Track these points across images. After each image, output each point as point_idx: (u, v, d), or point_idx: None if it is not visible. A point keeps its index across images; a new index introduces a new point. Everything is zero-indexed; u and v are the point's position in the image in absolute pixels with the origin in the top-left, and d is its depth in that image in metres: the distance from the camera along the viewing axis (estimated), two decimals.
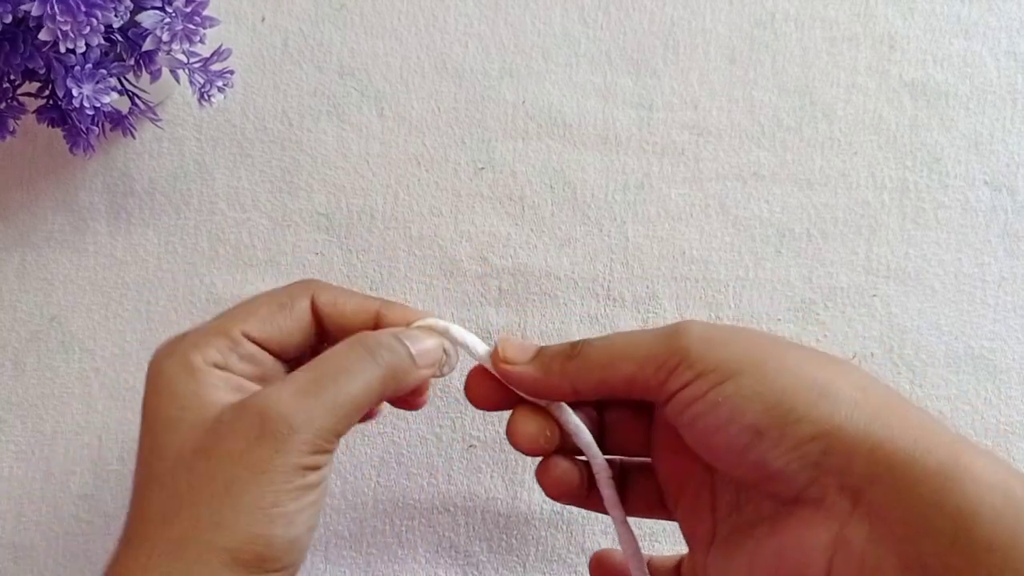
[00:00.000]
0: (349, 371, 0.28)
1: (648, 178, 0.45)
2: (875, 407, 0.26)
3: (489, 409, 0.33)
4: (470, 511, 0.43)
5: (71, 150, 0.39)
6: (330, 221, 0.45)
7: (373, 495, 0.43)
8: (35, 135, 0.45)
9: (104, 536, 0.42)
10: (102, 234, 0.45)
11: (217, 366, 0.29)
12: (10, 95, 0.38)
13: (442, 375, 0.33)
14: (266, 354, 0.30)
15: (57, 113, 0.38)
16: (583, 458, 0.33)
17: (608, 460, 0.33)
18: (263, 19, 0.47)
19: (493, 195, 0.45)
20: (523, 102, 0.46)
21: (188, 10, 0.36)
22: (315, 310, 0.32)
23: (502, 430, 0.43)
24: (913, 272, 0.45)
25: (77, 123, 0.38)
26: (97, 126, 0.39)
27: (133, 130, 0.42)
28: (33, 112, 0.39)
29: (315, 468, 0.28)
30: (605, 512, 0.33)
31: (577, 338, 0.31)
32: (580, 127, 0.46)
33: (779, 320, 0.44)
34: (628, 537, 0.33)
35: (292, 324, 0.31)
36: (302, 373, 0.29)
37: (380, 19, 0.47)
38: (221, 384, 0.29)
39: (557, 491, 0.32)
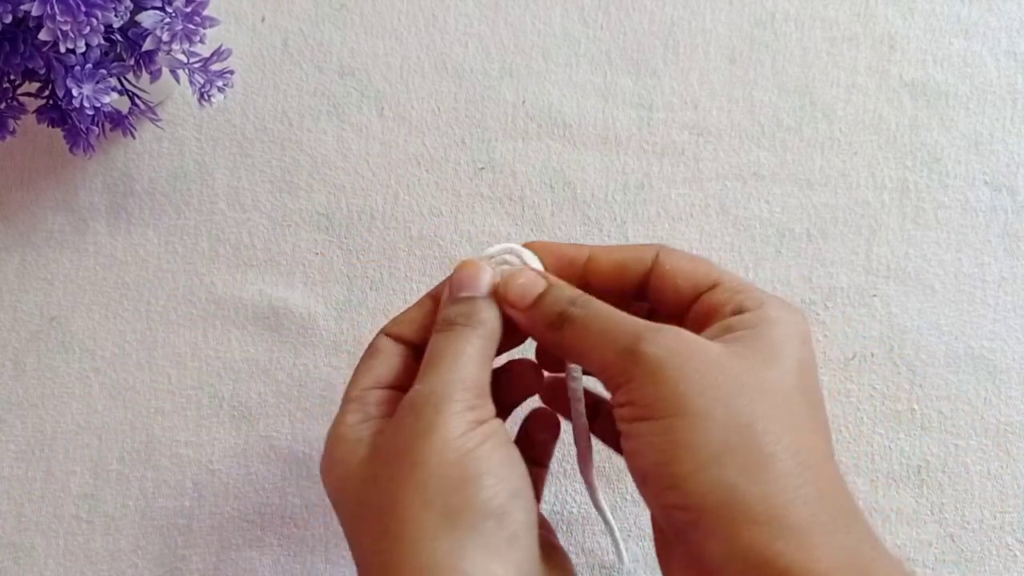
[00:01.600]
0: (449, 347, 0.31)
1: (648, 178, 0.45)
2: (753, 495, 0.26)
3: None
4: None
5: (71, 150, 0.39)
6: (330, 221, 0.45)
7: None
8: (35, 135, 0.45)
9: (104, 536, 0.43)
10: (102, 234, 0.45)
11: (363, 421, 0.31)
12: (10, 95, 0.38)
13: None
14: (391, 391, 0.32)
15: (57, 113, 0.38)
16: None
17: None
18: (263, 19, 0.47)
19: (493, 195, 0.45)
20: (523, 102, 0.46)
21: (188, 10, 0.36)
22: (397, 339, 0.34)
23: None
24: (913, 272, 0.45)
25: (77, 123, 0.38)
26: (97, 126, 0.39)
27: (133, 130, 0.42)
28: (33, 112, 0.39)
29: (481, 421, 0.29)
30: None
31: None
32: (580, 127, 0.46)
33: None
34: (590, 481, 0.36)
35: (389, 360, 0.33)
36: (420, 372, 0.31)
37: (380, 19, 0.47)
38: (371, 429, 0.31)
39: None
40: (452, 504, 0.27)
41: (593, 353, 0.30)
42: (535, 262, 0.33)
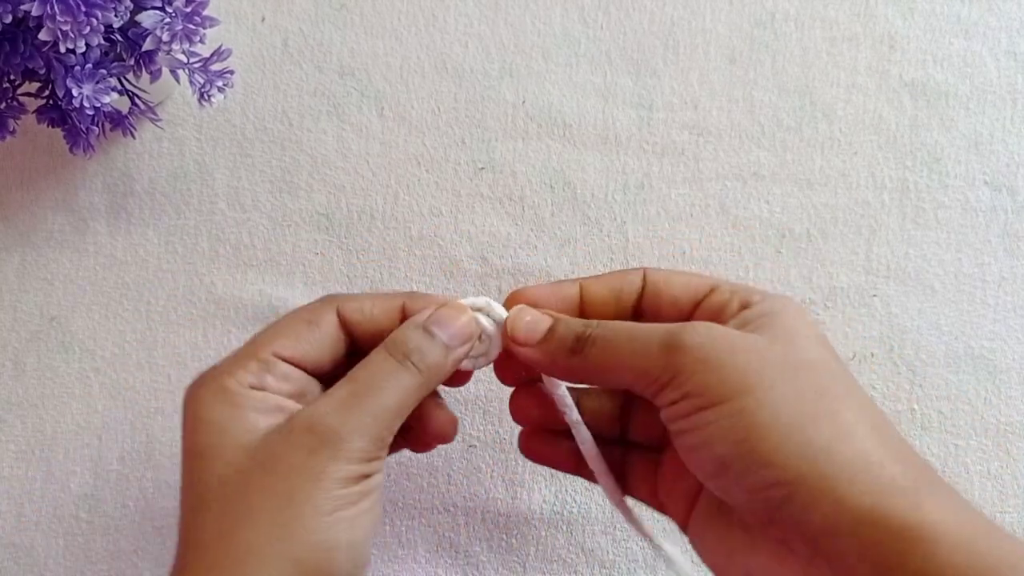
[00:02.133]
0: (384, 382, 0.29)
1: (648, 178, 0.45)
2: (847, 457, 0.25)
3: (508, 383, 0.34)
4: (470, 511, 0.43)
5: (71, 150, 0.39)
6: (330, 221, 0.45)
7: None
8: (35, 135, 0.45)
9: (104, 536, 0.42)
10: (102, 234, 0.45)
11: (253, 388, 0.30)
12: (10, 95, 0.38)
13: (479, 365, 0.33)
14: (300, 372, 0.31)
15: (57, 113, 0.38)
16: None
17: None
18: (263, 19, 0.47)
19: (493, 195, 0.45)
20: (523, 102, 0.46)
21: (188, 10, 0.36)
22: (343, 321, 0.32)
23: (502, 430, 0.43)
24: (913, 272, 0.45)
25: (77, 123, 0.38)
26: (97, 126, 0.39)
27: (133, 130, 0.42)
28: (33, 112, 0.39)
29: (368, 475, 0.29)
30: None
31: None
32: (580, 127, 0.46)
33: None
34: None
35: (321, 339, 0.31)
36: (341, 388, 0.29)
37: (380, 19, 0.47)
38: (259, 405, 0.29)
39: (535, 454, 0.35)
40: (306, 561, 0.27)
41: (626, 363, 0.29)
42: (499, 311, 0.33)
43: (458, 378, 0.34)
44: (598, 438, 0.34)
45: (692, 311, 0.32)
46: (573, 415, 0.33)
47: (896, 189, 0.45)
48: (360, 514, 0.28)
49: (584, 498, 0.43)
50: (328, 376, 0.32)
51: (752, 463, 0.26)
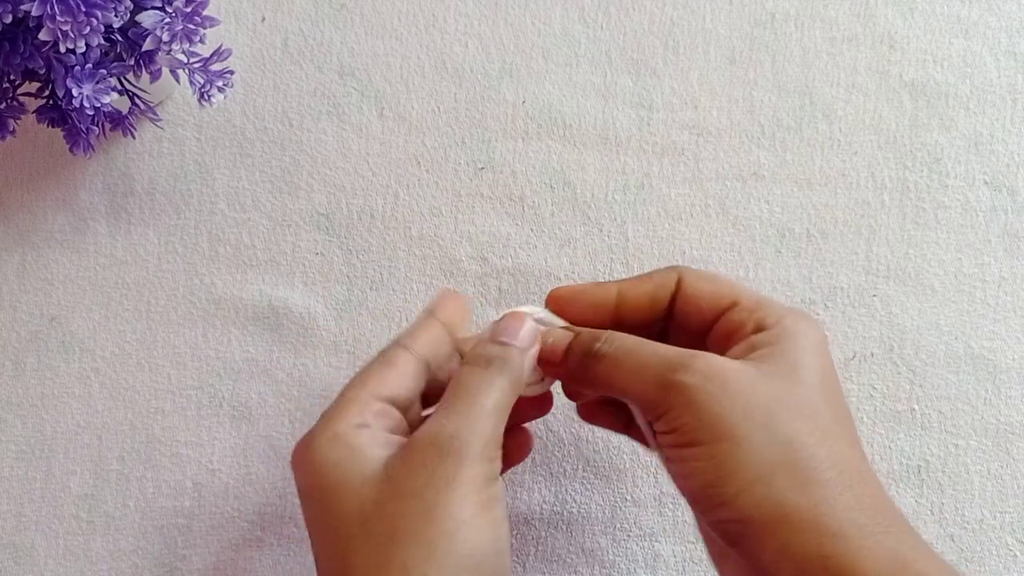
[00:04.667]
0: (481, 388, 0.31)
1: (648, 178, 0.45)
2: (798, 507, 0.28)
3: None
4: None
5: (71, 150, 0.39)
6: (330, 221, 0.45)
7: None
8: (35, 135, 0.45)
9: (104, 536, 0.43)
10: (102, 234, 0.45)
11: (360, 427, 0.31)
12: (10, 95, 0.38)
13: (548, 376, 0.35)
14: (393, 408, 0.32)
15: (57, 113, 0.38)
16: None
17: None
18: (263, 19, 0.47)
19: (493, 195, 0.45)
20: (523, 102, 0.46)
21: (188, 10, 0.36)
22: (415, 354, 0.34)
23: None
24: (913, 272, 0.45)
25: (77, 123, 0.38)
26: (97, 126, 0.39)
27: (133, 130, 0.42)
28: (33, 112, 0.39)
29: (494, 479, 0.30)
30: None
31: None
32: (580, 127, 0.46)
33: None
34: None
35: (400, 377, 0.33)
36: (444, 404, 0.31)
37: (380, 19, 0.47)
38: (373, 440, 0.30)
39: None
40: (459, 568, 0.28)
41: (629, 386, 0.32)
42: (559, 323, 0.35)
43: (543, 403, 0.37)
44: None
45: (714, 321, 0.34)
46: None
47: (896, 189, 0.45)
48: (498, 520, 0.29)
49: (584, 498, 0.43)
50: (410, 412, 0.33)
51: (716, 502, 0.29)
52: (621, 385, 0.32)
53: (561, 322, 0.35)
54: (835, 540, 0.27)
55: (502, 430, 0.31)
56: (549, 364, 0.34)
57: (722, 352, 0.32)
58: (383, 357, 0.33)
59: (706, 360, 0.30)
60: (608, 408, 0.37)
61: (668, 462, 0.31)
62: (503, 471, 0.36)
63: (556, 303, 0.36)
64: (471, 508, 0.28)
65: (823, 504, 0.28)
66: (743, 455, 0.29)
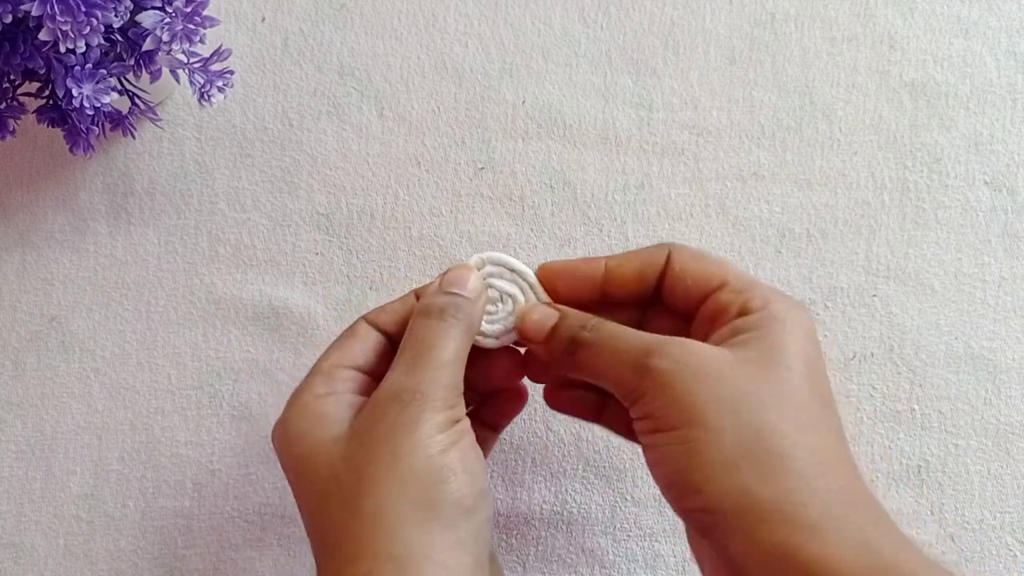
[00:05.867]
0: (435, 338, 0.32)
1: (648, 178, 0.45)
2: (765, 497, 0.27)
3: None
4: None
5: (71, 150, 0.39)
6: (330, 221, 0.45)
7: None
8: (35, 135, 0.45)
9: (104, 536, 0.42)
10: (102, 234, 0.45)
11: (327, 395, 0.32)
12: (10, 95, 0.38)
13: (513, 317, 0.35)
14: (358, 373, 0.34)
15: (57, 113, 0.38)
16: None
17: None
18: (263, 19, 0.47)
19: (493, 195, 0.45)
20: (523, 102, 0.46)
21: (188, 10, 0.36)
22: (376, 326, 0.35)
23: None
24: (913, 272, 0.45)
25: (77, 123, 0.38)
26: (97, 126, 0.39)
27: (133, 130, 0.42)
28: (33, 112, 0.39)
29: (456, 420, 0.31)
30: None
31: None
32: (580, 127, 0.46)
33: None
34: None
35: (364, 345, 0.34)
36: (401, 358, 0.32)
37: (380, 19, 0.47)
38: (338, 404, 0.32)
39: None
40: (429, 498, 0.29)
41: (607, 373, 0.32)
42: (521, 267, 0.35)
43: (536, 369, 0.37)
44: None
45: (702, 301, 0.33)
46: None
47: (896, 189, 0.45)
48: (466, 448, 0.30)
49: (584, 498, 0.43)
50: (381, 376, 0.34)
51: (686, 489, 0.29)
52: (600, 371, 0.32)
53: (539, 288, 0.35)
54: (804, 531, 0.27)
55: (461, 376, 0.32)
56: (531, 342, 0.34)
57: (707, 334, 0.32)
58: (346, 330, 0.35)
59: (681, 345, 0.30)
60: (574, 393, 0.37)
61: (644, 450, 0.31)
62: (499, 431, 0.38)
63: (546, 277, 0.36)
64: (438, 445, 0.30)
65: (793, 494, 0.27)
66: (713, 442, 0.28)
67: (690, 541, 0.32)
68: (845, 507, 0.27)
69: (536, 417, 0.43)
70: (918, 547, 0.28)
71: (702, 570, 0.31)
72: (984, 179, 0.45)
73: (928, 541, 0.42)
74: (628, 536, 0.42)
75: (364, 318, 0.35)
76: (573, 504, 0.43)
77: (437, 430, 0.30)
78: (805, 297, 0.44)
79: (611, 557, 0.42)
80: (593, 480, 0.43)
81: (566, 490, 0.43)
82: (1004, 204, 0.45)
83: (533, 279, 0.35)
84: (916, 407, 0.44)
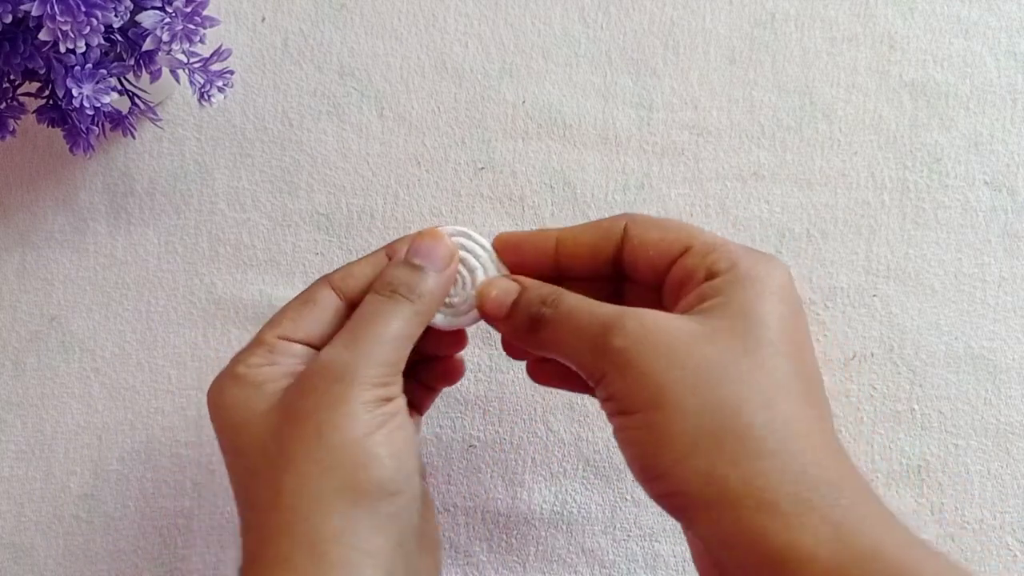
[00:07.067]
0: (379, 316, 0.30)
1: (648, 178, 0.45)
2: (732, 480, 0.26)
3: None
4: (470, 511, 0.43)
5: (71, 150, 0.39)
6: (330, 221, 0.45)
7: None
8: (35, 135, 0.45)
9: (104, 536, 0.42)
10: (102, 234, 0.45)
11: (265, 366, 0.31)
12: (10, 95, 0.38)
13: (469, 299, 0.33)
14: (306, 348, 0.32)
15: (57, 113, 0.38)
16: None
17: None
18: (263, 19, 0.47)
19: (493, 195, 0.45)
20: (523, 102, 0.46)
21: (188, 10, 0.36)
22: (340, 292, 0.33)
23: (502, 430, 0.43)
24: (913, 272, 0.45)
25: (77, 123, 0.38)
26: (97, 126, 0.39)
27: (133, 130, 0.42)
28: (33, 112, 0.39)
29: (388, 399, 0.30)
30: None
31: None
32: (580, 127, 0.46)
33: None
34: None
35: (321, 315, 0.32)
36: (341, 333, 0.30)
37: (380, 19, 0.47)
38: (272, 376, 0.30)
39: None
40: (350, 482, 0.28)
41: (570, 352, 0.30)
42: (480, 239, 0.34)
43: (460, 338, 0.36)
44: None
45: (667, 270, 0.31)
46: None
47: (896, 189, 0.45)
48: (393, 431, 0.29)
49: (584, 498, 0.43)
50: None
51: (652, 474, 0.28)
52: (563, 351, 0.30)
53: (498, 263, 0.34)
54: (772, 515, 0.25)
55: (403, 356, 0.30)
56: (492, 319, 0.32)
57: (674, 304, 0.30)
58: (304, 293, 0.32)
59: (639, 319, 0.28)
60: (557, 365, 0.34)
61: (614, 432, 0.29)
62: (431, 398, 0.37)
63: (501, 248, 0.34)
64: (363, 427, 0.28)
65: (761, 477, 0.26)
66: (674, 424, 0.27)
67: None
68: (821, 490, 0.26)
69: (536, 417, 0.43)
70: (903, 526, 0.26)
71: (692, 555, 0.30)
72: (984, 179, 0.45)
73: (928, 541, 0.42)
74: (628, 536, 0.42)
75: (329, 280, 0.33)
76: (573, 504, 0.43)
77: (364, 410, 0.28)
78: (805, 297, 0.44)
79: (611, 557, 0.42)
80: (593, 480, 0.43)
81: (566, 490, 0.43)
82: (1004, 204, 0.45)
83: (492, 251, 0.34)
84: (916, 407, 0.44)
